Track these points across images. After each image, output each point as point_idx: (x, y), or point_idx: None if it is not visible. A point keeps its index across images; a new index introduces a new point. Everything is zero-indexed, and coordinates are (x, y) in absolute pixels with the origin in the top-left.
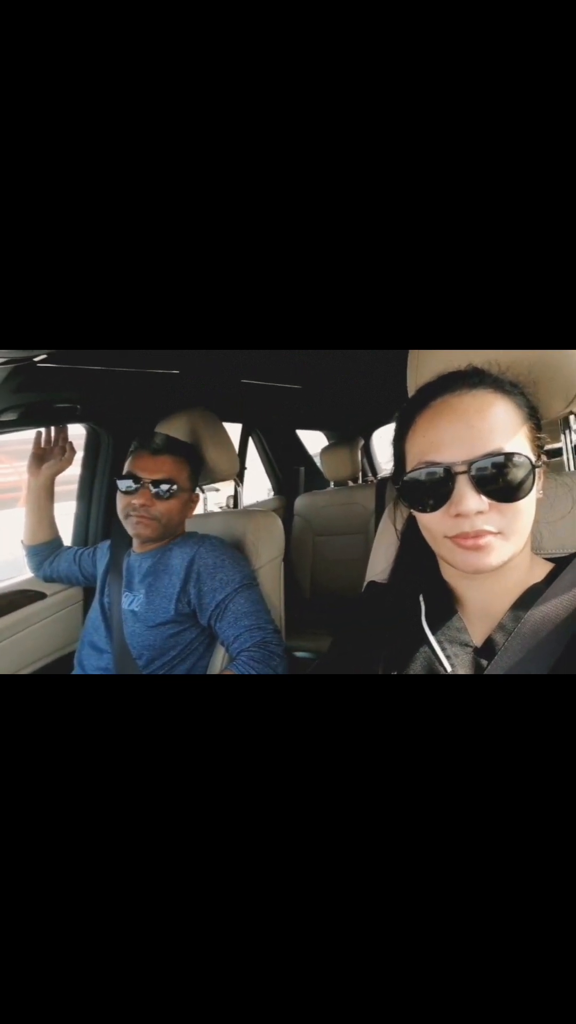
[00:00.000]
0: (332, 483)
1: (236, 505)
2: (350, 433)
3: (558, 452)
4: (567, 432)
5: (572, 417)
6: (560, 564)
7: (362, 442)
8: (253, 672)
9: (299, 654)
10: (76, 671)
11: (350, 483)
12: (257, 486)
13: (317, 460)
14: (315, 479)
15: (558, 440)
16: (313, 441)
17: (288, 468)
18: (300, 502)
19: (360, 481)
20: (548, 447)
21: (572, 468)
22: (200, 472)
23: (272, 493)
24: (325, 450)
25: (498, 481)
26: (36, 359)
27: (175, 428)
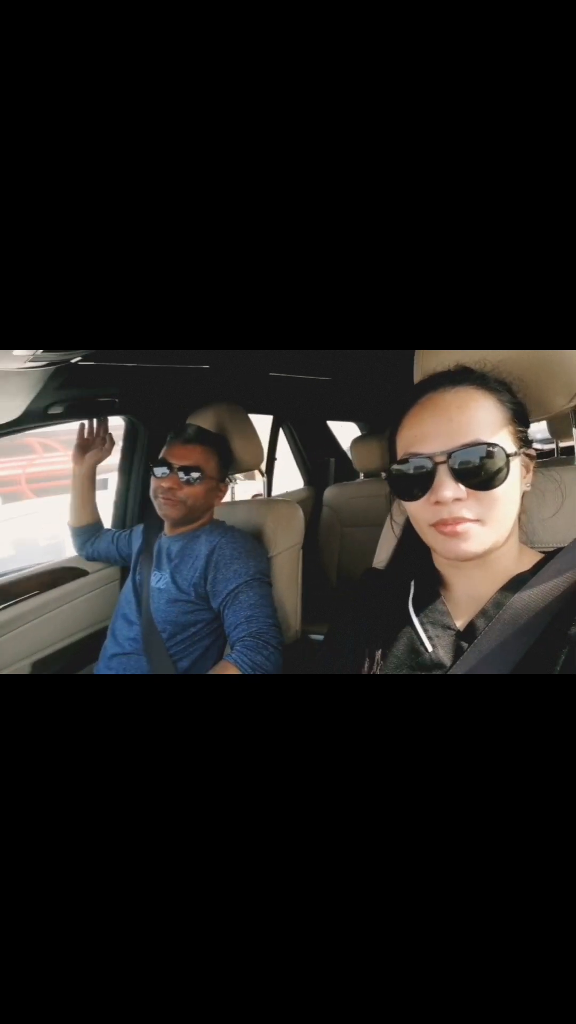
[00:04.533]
0: (362, 475)
1: (269, 494)
2: (380, 425)
3: (571, 450)
4: None
5: None
6: (549, 555)
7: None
8: (246, 660)
9: (314, 636)
10: (108, 640)
11: (381, 475)
12: (290, 477)
13: (348, 452)
14: (346, 471)
15: (570, 437)
16: (346, 433)
17: (318, 459)
18: (329, 493)
19: None
20: (564, 444)
21: None
22: (229, 462)
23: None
24: (355, 442)
25: (475, 470)
26: (73, 360)
27: (205, 420)
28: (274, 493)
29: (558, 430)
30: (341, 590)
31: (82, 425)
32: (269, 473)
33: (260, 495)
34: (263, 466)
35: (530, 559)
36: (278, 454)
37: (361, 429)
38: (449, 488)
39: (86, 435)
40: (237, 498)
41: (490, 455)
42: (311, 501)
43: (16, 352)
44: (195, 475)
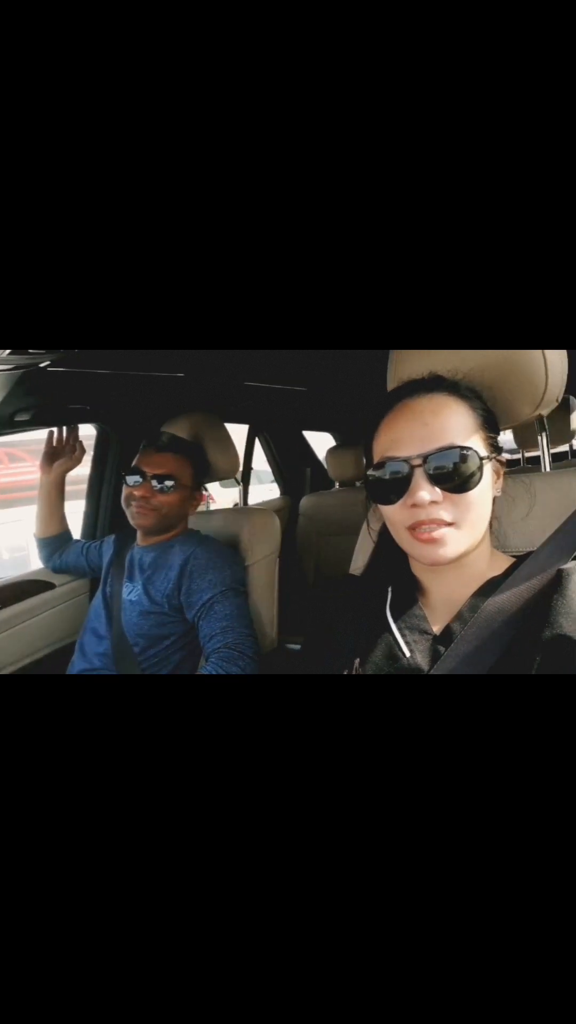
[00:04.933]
0: (337, 484)
1: (245, 503)
2: (355, 435)
3: (536, 460)
4: (543, 434)
5: (545, 419)
6: (520, 559)
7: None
8: (221, 672)
9: (291, 646)
10: (76, 655)
11: (356, 484)
12: (267, 487)
13: (323, 462)
14: (321, 480)
15: (536, 447)
16: (321, 443)
17: (294, 469)
18: (305, 502)
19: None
20: (530, 454)
21: (548, 469)
22: (204, 471)
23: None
24: (331, 452)
25: (450, 473)
26: (41, 364)
27: (179, 429)
28: (250, 502)
29: (524, 439)
30: (317, 598)
31: (51, 432)
32: (245, 482)
33: (237, 503)
34: (239, 475)
35: (502, 563)
36: (252, 464)
37: (336, 439)
38: (425, 490)
39: (55, 443)
40: (218, 506)
41: (464, 458)
42: (287, 510)
43: None
44: (169, 483)
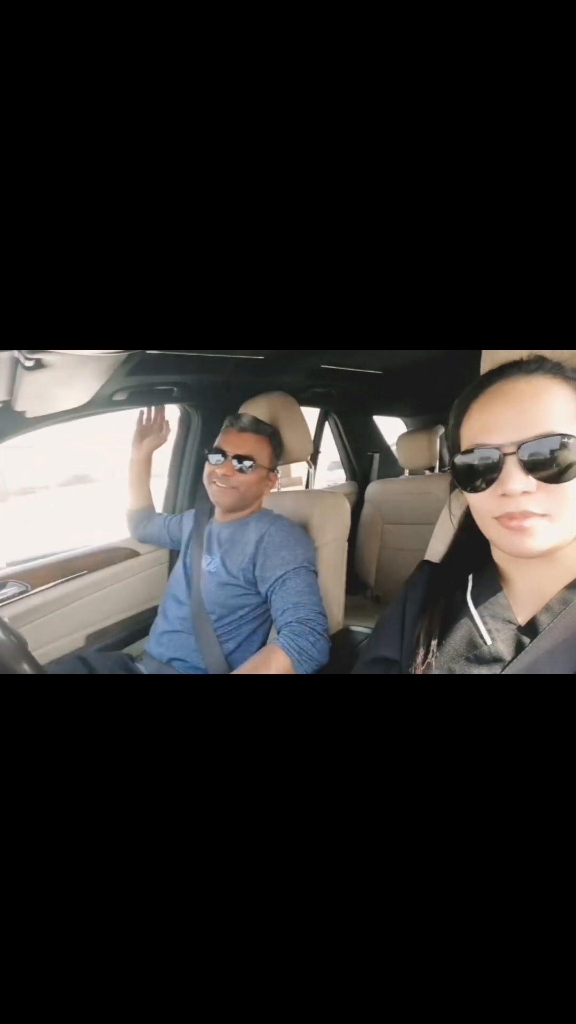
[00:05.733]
0: (407, 471)
1: (308, 486)
2: (428, 422)
3: None
4: None
5: None
6: None
7: (441, 431)
8: (293, 644)
9: (356, 628)
10: (159, 617)
11: (426, 472)
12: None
13: (394, 448)
14: (390, 467)
15: None
16: (391, 428)
17: (363, 454)
18: (372, 489)
19: (436, 471)
20: None
21: None
22: (280, 452)
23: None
24: (402, 438)
25: (547, 462)
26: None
27: (257, 410)
28: (315, 487)
29: None
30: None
31: (141, 412)
32: (314, 465)
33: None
34: (309, 457)
35: None
36: (320, 447)
37: (407, 425)
38: (518, 480)
39: (144, 422)
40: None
41: (564, 447)
42: (354, 496)
43: None
44: (248, 463)
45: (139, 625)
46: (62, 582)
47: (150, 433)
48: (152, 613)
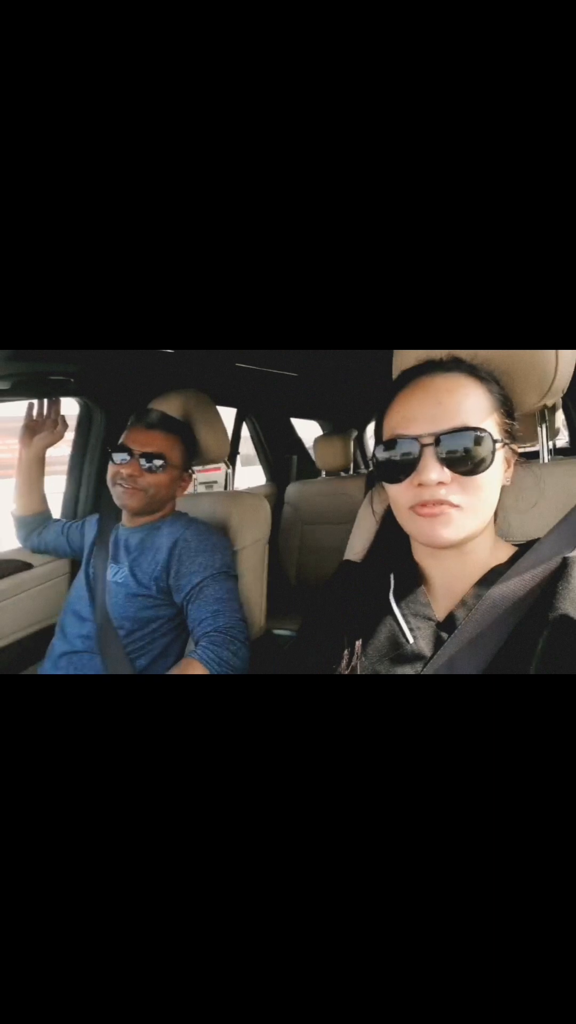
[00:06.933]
0: (324, 473)
1: (227, 488)
2: (344, 424)
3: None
4: (543, 426)
5: (547, 410)
6: (523, 548)
7: (355, 434)
8: (212, 656)
9: (279, 632)
10: (56, 638)
11: (342, 474)
12: (254, 473)
13: (310, 450)
14: (307, 468)
15: (535, 439)
16: (308, 430)
17: (281, 456)
18: (291, 490)
19: (351, 472)
20: (525, 450)
21: (547, 460)
22: (193, 452)
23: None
24: (318, 440)
25: (461, 455)
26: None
27: (169, 407)
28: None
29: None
30: (307, 584)
31: (31, 405)
32: (231, 466)
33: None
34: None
35: (505, 552)
36: (239, 448)
37: (324, 428)
38: (434, 471)
39: (35, 416)
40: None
41: (478, 441)
42: (273, 498)
43: None
44: (158, 462)
45: (34, 647)
46: None
47: (42, 429)
48: (49, 633)
